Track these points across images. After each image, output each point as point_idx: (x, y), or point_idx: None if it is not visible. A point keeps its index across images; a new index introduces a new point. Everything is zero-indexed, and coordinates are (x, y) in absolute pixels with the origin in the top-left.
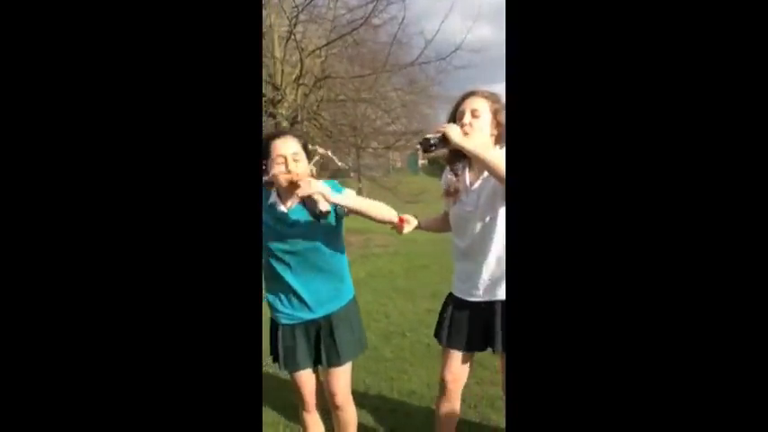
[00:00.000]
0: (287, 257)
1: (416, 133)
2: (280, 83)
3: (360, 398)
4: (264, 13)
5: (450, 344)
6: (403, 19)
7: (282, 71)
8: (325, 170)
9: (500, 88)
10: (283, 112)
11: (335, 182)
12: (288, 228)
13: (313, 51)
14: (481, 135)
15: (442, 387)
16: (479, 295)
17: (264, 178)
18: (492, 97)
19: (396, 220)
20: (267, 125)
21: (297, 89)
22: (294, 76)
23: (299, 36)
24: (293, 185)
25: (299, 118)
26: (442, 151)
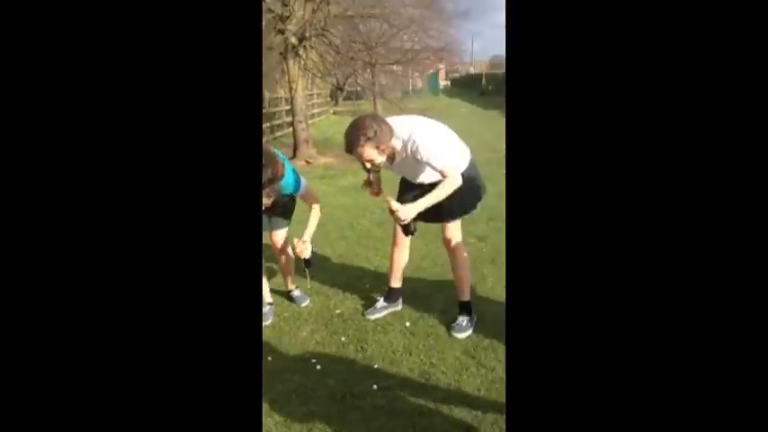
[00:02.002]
0: None
1: (437, 50)
2: None
3: None
4: None
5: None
6: None
7: None
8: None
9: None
10: (292, 28)
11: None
12: None
13: None
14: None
15: (395, 242)
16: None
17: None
18: (364, 135)
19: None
20: (275, 41)
21: (305, 5)
22: None
23: None
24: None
25: (308, 34)
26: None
